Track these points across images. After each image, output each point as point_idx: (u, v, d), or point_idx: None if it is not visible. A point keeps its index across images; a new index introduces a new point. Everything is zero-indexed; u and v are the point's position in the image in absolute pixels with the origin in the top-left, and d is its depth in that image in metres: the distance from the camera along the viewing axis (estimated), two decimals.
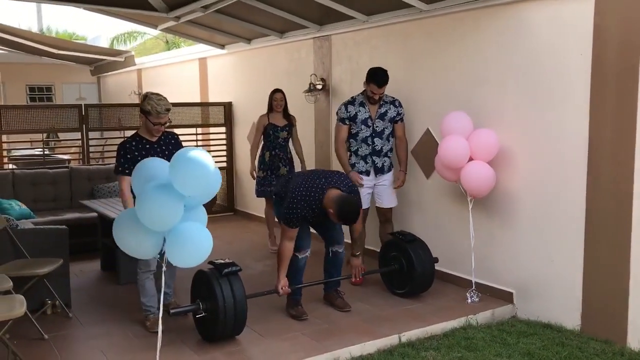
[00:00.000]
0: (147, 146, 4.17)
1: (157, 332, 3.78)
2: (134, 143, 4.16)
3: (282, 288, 4.32)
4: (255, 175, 6.40)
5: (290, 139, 6.43)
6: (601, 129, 4.10)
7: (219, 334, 3.97)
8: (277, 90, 6.38)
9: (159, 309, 4.13)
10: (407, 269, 4.80)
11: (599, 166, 4.13)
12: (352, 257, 4.71)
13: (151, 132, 4.17)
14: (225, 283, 3.96)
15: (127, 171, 4.04)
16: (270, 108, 6.35)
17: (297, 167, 6.51)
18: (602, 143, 4.10)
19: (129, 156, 4.09)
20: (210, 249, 3.31)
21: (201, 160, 3.14)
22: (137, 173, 3.39)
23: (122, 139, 4.35)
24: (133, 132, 4.35)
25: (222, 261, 4.12)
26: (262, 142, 6.42)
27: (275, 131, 6.30)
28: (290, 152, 6.45)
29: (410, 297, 4.88)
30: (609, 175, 4.09)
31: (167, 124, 4.20)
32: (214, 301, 3.92)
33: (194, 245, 3.25)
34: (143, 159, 3.60)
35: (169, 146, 4.24)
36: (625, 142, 3.97)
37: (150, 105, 4.06)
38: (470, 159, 4.63)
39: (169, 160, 3.68)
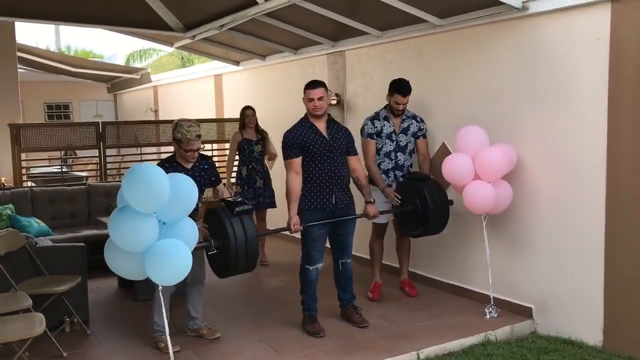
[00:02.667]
0: (182, 172, 4.00)
1: (173, 352, 3.79)
2: (168, 167, 4.08)
3: (294, 225, 4.29)
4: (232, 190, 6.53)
5: (264, 153, 6.59)
6: (619, 141, 4.06)
7: (231, 271, 3.98)
8: (247, 107, 6.59)
9: (172, 329, 4.13)
10: (422, 209, 4.75)
11: (618, 178, 4.09)
12: (366, 205, 4.61)
13: (185, 158, 4.14)
14: (237, 221, 3.92)
15: None
16: (243, 125, 6.53)
17: (274, 180, 6.57)
18: (621, 155, 4.06)
19: None
20: (189, 263, 3.33)
21: (141, 175, 3.17)
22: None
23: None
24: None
25: (233, 199, 4.12)
26: (238, 159, 6.60)
27: (250, 145, 6.48)
28: (265, 166, 6.63)
29: (428, 311, 4.86)
30: (628, 188, 4.04)
31: (200, 149, 4.17)
32: (225, 239, 3.88)
33: (170, 262, 3.27)
34: None
35: (201, 172, 4.22)
36: None
37: (180, 133, 4.03)
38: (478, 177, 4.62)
39: (200, 186, 3.80)
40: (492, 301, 4.77)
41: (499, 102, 4.86)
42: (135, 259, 3.32)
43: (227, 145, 8.84)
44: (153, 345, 4.26)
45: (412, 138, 5.22)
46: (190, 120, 4.16)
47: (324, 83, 4.51)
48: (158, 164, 4.14)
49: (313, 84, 4.46)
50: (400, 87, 5.03)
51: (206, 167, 4.28)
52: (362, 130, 5.19)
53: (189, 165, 4.17)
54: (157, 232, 3.28)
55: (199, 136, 4.09)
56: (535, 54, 4.55)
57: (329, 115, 4.54)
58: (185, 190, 3.38)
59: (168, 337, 3.55)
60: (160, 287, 4.13)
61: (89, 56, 24.71)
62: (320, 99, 4.37)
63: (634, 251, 4.03)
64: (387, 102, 5.17)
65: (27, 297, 3.87)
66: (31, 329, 3.43)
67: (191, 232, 3.49)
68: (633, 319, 4.06)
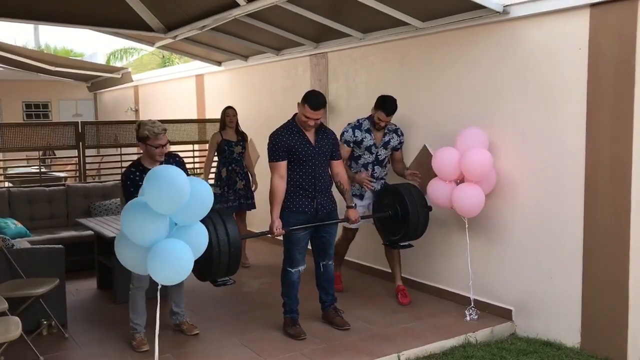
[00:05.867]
0: None
1: (144, 351, 3.93)
2: (137, 173, 4.11)
3: (276, 229, 4.27)
4: None
5: (244, 154, 6.59)
6: (598, 145, 4.11)
7: (212, 275, 3.92)
8: (229, 107, 6.56)
9: (146, 327, 4.15)
10: (401, 213, 4.78)
11: (596, 182, 4.14)
12: (347, 209, 4.63)
13: (154, 157, 4.13)
14: (220, 226, 3.86)
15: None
16: (223, 125, 6.49)
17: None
18: (599, 159, 4.11)
19: (132, 189, 4.03)
20: (190, 267, 3.32)
21: (168, 179, 3.17)
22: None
23: (121, 161, 4.35)
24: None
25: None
26: (217, 160, 6.57)
27: (230, 146, 6.44)
28: (246, 167, 6.61)
29: (409, 313, 4.89)
30: (606, 192, 4.09)
31: (168, 144, 4.20)
32: (208, 243, 3.74)
33: (172, 262, 3.26)
34: None
35: None
36: (623, 158, 3.98)
37: (146, 130, 4.08)
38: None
39: None
40: (472, 303, 4.80)
41: (479, 105, 4.89)
42: (142, 252, 3.31)
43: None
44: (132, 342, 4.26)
45: (390, 151, 5.23)
46: (152, 119, 4.21)
47: (325, 102, 4.41)
48: (125, 174, 4.15)
49: (316, 103, 4.29)
50: (385, 106, 4.97)
51: (174, 163, 4.26)
52: (342, 135, 5.13)
53: (156, 165, 4.13)
54: (166, 231, 3.28)
55: (164, 130, 4.14)
56: (515, 58, 4.59)
57: None
58: (201, 194, 3.34)
59: (157, 337, 3.51)
60: (132, 285, 4.20)
61: (69, 55, 24.40)
62: (317, 119, 4.33)
63: (611, 254, 4.08)
64: (372, 114, 5.12)
65: (3, 300, 3.80)
66: (7, 333, 3.37)
67: (201, 237, 3.45)
68: (610, 321, 4.12)
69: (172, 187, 3.16)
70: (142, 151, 4.21)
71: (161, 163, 4.16)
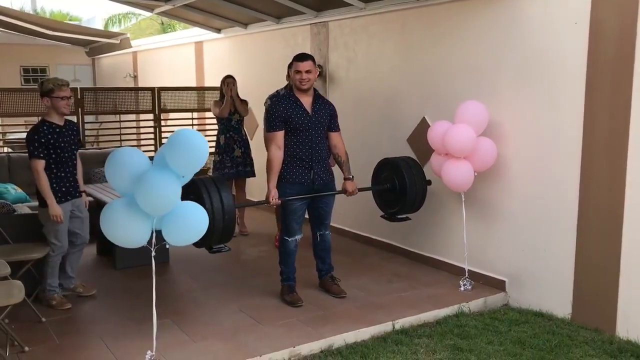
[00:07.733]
0: (57, 130, 4.34)
1: (66, 309, 4.31)
2: (44, 128, 4.30)
3: (272, 199, 4.36)
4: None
5: (243, 122, 6.64)
6: (595, 120, 4.13)
7: (208, 240, 3.97)
8: (228, 76, 6.53)
9: (61, 286, 4.53)
10: (399, 188, 4.84)
11: (592, 157, 4.17)
12: (345, 181, 4.68)
13: (59, 109, 4.31)
14: (215, 193, 3.90)
15: (41, 155, 4.25)
16: (223, 94, 6.47)
17: (254, 149, 6.68)
18: (596, 134, 4.13)
19: (43, 140, 4.24)
20: (207, 225, 3.53)
21: (198, 140, 3.35)
22: (116, 171, 3.42)
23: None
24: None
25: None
26: (217, 128, 6.61)
27: (229, 114, 6.44)
28: (245, 134, 6.62)
29: (404, 283, 4.96)
30: (602, 166, 4.13)
31: (72, 98, 4.42)
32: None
33: (194, 222, 3.45)
34: (60, 145, 4.25)
35: (73, 132, 4.48)
36: (619, 134, 4.00)
37: (50, 83, 4.28)
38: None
39: (74, 144, 4.31)
40: (467, 274, 4.88)
41: (478, 78, 4.89)
42: (145, 223, 3.41)
43: (208, 114, 8.82)
44: (45, 304, 4.42)
45: None
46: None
47: (312, 56, 4.48)
48: (33, 131, 4.32)
49: (301, 57, 4.43)
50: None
51: (75, 129, 4.55)
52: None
53: (61, 122, 4.38)
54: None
55: (68, 83, 4.36)
56: (516, 31, 4.57)
57: (315, 90, 4.53)
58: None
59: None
60: (53, 252, 4.38)
61: (66, 19, 24.10)
62: (307, 72, 4.36)
63: (604, 228, 4.14)
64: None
65: (6, 264, 3.85)
66: (10, 296, 3.43)
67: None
68: (600, 293, 4.20)
69: (202, 149, 3.35)
70: (47, 107, 4.34)
71: (64, 124, 4.38)
